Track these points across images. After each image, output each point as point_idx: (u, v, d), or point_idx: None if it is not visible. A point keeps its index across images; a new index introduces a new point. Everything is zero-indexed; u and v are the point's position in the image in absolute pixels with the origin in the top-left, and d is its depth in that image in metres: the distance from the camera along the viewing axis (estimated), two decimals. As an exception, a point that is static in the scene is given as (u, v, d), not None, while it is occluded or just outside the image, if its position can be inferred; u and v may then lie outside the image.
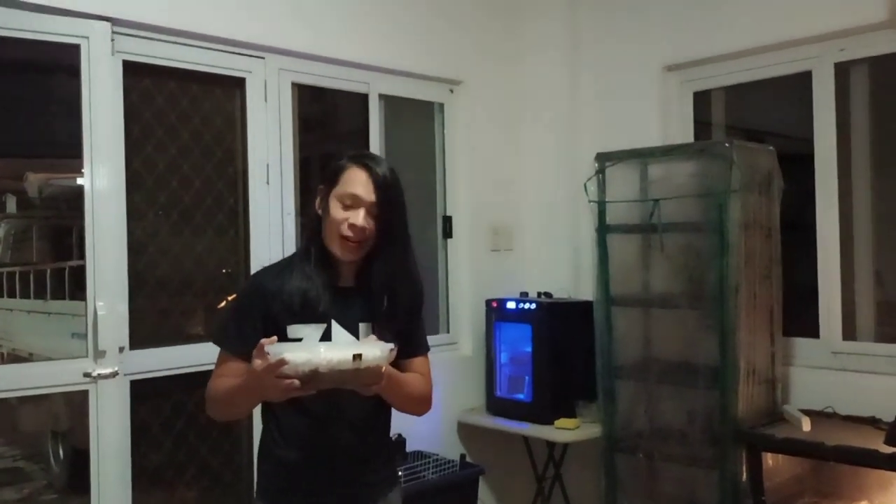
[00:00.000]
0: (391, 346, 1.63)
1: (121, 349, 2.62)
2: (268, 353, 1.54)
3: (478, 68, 3.79)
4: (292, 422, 1.79)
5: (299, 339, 1.70)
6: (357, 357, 1.55)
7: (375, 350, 1.59)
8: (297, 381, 1.53)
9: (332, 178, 1.80)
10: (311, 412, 1.77)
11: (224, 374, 1.77)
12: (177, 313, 2.99)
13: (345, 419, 1.80)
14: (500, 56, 3.89)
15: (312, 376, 1.54)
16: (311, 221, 1.90)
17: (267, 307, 1.77)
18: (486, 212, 3.84)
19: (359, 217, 1.75)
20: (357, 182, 1.77)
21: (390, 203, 1.79)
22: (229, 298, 3.06)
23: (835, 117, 3.15)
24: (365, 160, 1.81)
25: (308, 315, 1.75)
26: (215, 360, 1.83)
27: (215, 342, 1.85)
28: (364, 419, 1.84)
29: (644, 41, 3.62)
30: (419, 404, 1.89)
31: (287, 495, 1.82)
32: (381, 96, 3.50)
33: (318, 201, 1.84)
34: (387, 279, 1.81)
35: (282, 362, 1.51)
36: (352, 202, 1.76)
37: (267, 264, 1.93)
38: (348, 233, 1.76)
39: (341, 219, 1.75)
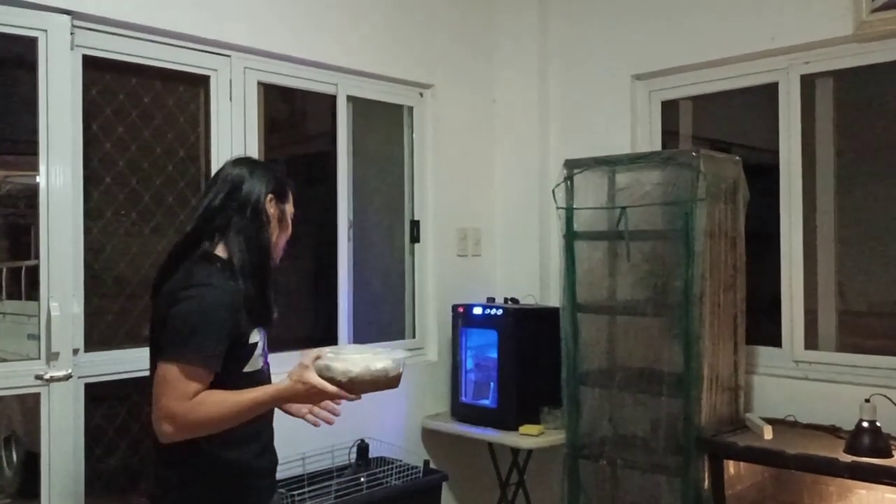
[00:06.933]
0: (407, 353, 1.91)
1: (75, 351, 2.55)
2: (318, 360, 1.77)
3: (448, 73, 3.78)
4: (245, 425, 1.80)
5: (256, 343, 1.85)
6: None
7: (400, 357, 1.85)
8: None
9: (285, 194, 2.00)
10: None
11: (193, 392, 1.70)
12: (135, 315, 2.92)
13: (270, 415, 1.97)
14: (470, 61, 3.88)
15: (359, 382, 1.76)
16: (261, 227, 1.91)
17: (236, 321, 1.79)
18: (454, 217, 3.82)
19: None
20: (292, 202, 2.04)
21: None
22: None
23: (800, 129, 3.18)
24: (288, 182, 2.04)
25: (265, 320, 1.89)
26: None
27: (186, 362, 1.70)
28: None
29: (613, 49, 3.64)
30: None
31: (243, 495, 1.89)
32: (350, 98, 3.46)
33: (273, 210, 1.95)
34: None
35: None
36: (291, 218, 2.03)
37: (215, 277, 1.81)
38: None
39: (289, 232, 2.02)
